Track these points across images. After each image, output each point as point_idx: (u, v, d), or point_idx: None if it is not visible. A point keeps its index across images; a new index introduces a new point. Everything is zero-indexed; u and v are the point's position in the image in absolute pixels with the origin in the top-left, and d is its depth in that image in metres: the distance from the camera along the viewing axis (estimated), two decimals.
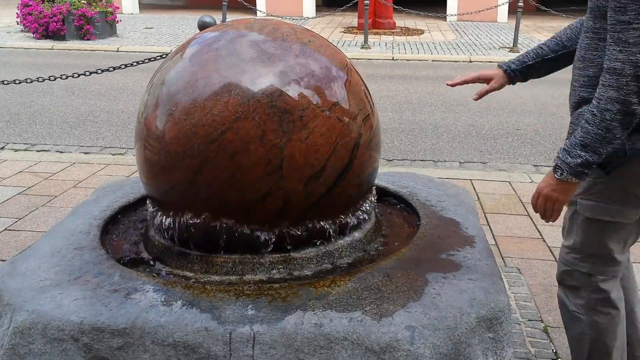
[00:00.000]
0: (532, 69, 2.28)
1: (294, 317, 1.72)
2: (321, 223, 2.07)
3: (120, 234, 2.43)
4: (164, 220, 2.16)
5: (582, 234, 2.09)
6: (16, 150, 5.62)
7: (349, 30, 14.44)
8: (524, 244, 3.75)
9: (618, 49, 1.64)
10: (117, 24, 13.38)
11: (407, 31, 14.27)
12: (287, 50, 2.05)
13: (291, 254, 2.06)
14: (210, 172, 1.93)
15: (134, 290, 1.87)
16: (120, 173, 4.84)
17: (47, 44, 11.99)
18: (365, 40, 11.94)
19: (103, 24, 12.81)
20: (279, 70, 1.98)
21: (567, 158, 1.81)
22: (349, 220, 2.15)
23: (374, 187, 2.32)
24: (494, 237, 3.82)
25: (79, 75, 4.80)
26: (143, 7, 19.17)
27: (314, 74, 2.02)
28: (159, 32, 14.07)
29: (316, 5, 17.84)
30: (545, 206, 1.97)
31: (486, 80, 2.35)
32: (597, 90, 1.73)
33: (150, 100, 2.11)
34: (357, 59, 10.78)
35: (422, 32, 14.09)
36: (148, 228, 2.31)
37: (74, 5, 12.41)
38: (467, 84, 2.40)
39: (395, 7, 13.48)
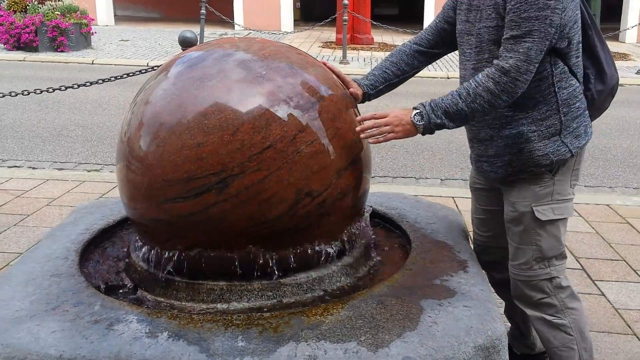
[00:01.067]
0: (380, 93, 2.37)
1: (286, 348, 1.65)
2: (310, 248, 2.00)
3: (100, 259, 2.33)
4: (146, 247, 2.08)
5: (544, 239, 2.15)
6: None
7: (327, 45, 14.45)
8: None
9: (509, 55, 1.91)
10: (91, 36, 13.19)
11: (385, 47, 14.33)
12: (274, 70, 1.98)
13: (280, 280, 1.98)
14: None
15: (116, 320, 1.78)
16: (96, 190, 4.72)
17: (19, 55, 11.76)
18: (344, 56, 11.95)
19: (77, 35, 12.61)
20: (267, 91, 1.91)
21: (431, 113, 1.97)
22: (339, 245, 2.08)
23: (364, 210, 2.26)
24: None
25: (53, 90, 4.67)
26: (118, 18, 19.00)
27: (303, 95, 1.96)
28: (134, 44, 13.92)
29: (294, 20, 17.86)
30: (381, 130, 1.98)
31: (347, 87, 2.26)
32: (480, 76, 1.94)
33: (134, 119, 2.03)
34: None
35: None
36: (129, 252, 2.22)
37: (47, 16, 12.20)
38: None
39: (373, 22, 13.53)
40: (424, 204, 2.73)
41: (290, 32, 16.67)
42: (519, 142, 2.09)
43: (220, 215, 1.85)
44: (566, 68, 2.04)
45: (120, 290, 2.09)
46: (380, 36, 15.55)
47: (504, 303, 2.58)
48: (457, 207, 4.47)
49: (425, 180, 5.44)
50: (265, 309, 1.92)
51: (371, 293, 1.92)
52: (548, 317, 2.22)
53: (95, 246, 2.39)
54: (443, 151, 6.26)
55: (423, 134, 2.02)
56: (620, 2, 16.68)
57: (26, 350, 1.65)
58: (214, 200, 1.83)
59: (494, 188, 2.31)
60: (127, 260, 2.22)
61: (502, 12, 1.95)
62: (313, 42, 14.97)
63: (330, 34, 15.62)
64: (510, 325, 2.61)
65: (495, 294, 2.33)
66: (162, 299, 2.01)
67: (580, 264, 3.58)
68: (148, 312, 1.82)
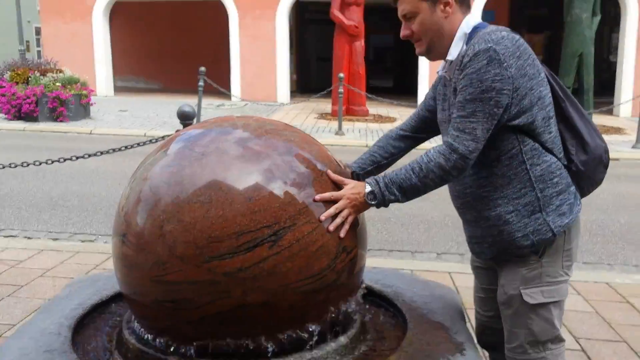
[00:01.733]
0: (370, 174, 2.36)
1: None
2: (304, 329, 1.98)
3: (92, 334, 2.29)
4: (139, 328, 2.06)
5: (536, 323, 2.13)
6: None
7: (322, 116, 14.68)
8: None
9: (456, 134, 1.98)
10: (91, 106, 13.41)
11: (380, 118, 14.55)
12: (271, 148, 2.02)
13: None
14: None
15: None
16: (91, 262, 4.69)
17: (19, 125, 11.92)
18: (340, 127, 12.13)
19: (77, 106, 12.81)
20: (264, 168, 1.95)
21: (385, 191, 2.03)
22: (334, 325, 2.07)
23: (360, 288, 2.25)
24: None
25: (52, 162, 4.72)
26: (118, 89, 19.36)
27: (300, 172, 1.99)
28: (133, 115, 14.13)
29: (290, 91, 18.22)
30: (342, 215, 1.98)
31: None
32: (431, 152, 2.02)
33: (132, 195, 2.05)
34: (332, 145, 10.88)
35: (394, 119, 14.39)
36: (122, 328, 2.19)
37: (48, 87, 12.43)
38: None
39: (368, 95, 13.81)
40: (421, 282, 2.73)
41: (287, 104, 16.95)
42: (498, 223, 2.11)
43: (272, 269, 1.85)
44: (537, 145, 2.05)
45: None
46: (375, 108, 15.82)
47: None
48: (454, 283, 4.44)
49: (421, 254, 5.43)
50: None
51: None
52: None
53: (88, 320, 2.37)
54: (439, 224, 6.27)
55: (377, 207, 2.08)
56: (613, 77, 17.02)
57: None
58: (267, 253, 1.84)
59: (493, 267, 2.31)
60: (119, 336, 2.19)
61: None
62: (309, 113, 15.22)
63: (326, 105, 15.89)
64: None
65: None
66: None
67: (580, 345, 3.53)
68: None
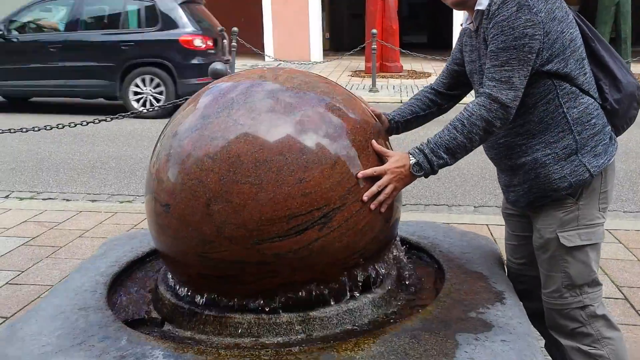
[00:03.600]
0: (409, 125, 2.35)
1: None
2: (341, 280, 1.94)
3: (128, 291, 2.30)
4: (174, 281, 2.05)
5: (572, 266, 2.10)
6: (21, 199, 5.53)
7: (356, 73, 14.51)
8: None
9: (493, 84, 1.93)
10: None
11: (414, 74, 14.33)
12: (304, 100, 1.96)
13: (310, 313, 1.93)
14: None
15: (142, 356, 1.74)
16: (128, 222, 4.74)
17: None
18: (373, 84, 11.96)
19: None
20: (296, 121, 1.88)
21: (432, 157, 1.95)
22: (370, 277, 2.02)
23: (396, 240, 2.20)
24: None
25: (87, 124, 4.74)
26: None
27: (333, 124, 1.92)
28: None
29: (323, 50, 18.02)
30: (385, 192, 1.91)
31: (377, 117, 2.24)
32: (471, 106, 1.96)
33: (162, 152, 2.01)
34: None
35: (429, 74, 14.14)
36: (158, 284, 2.19)
37: None
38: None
39: (402, 50, 13.56)
40: (458, 232, 2.66)
41: (320, 62, 16.78)
42: (535, 167, 2.07)
43: (321, 249, 1.83)
44: (573, 88, 2.02)
45: (148, 324, 2.05)
46: (410, 64, 15.56)
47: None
48: (492, 235, 4.37)
49: (458, 208, 5.35)
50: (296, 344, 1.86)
51: (404, 327, 1.85)
52: (584, 347, 2.13)
53: (124, 278, 2.37)
54: (476, 177, 6.16)
55: (426, 177, 2.01)
56: None
57: None
58: (317, 235, 1.81)
59: (525, 214, 2.27)
60: (155, 292, 2.19)
61: None
62: (342, 70, 15.05)
63: (359, 62, 15.68)
64: None
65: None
66: (189, 333, 1.96)
67: (623, 293, 3.45)
68: (174, 347, 1.78)
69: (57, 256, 4.06)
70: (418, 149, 1.98)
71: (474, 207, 5.38)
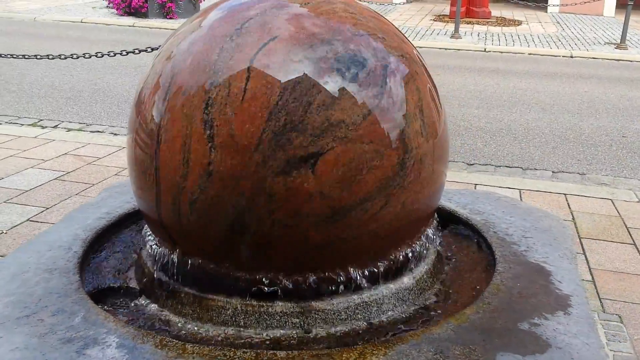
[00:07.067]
0: None
1: None
2: (355, 264, 1.51)
3: (113, 250, 1.95)
4: (154, 247, 1.67)
5: None
6: (68, 130, 5.32)
7: (439, 18, 13.65)
8: (628, 281, 3.04)
9: None
10: (200, 3, 13.15)
11: (503, 21, 13.34)
12: (333, 31, 1.50)
13: (311, 302, 1.51)
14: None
15: (92, 342, 1.39)
16: None
17: (129, 20, 11.88)
18: (456, 29, 11.15)
19: (186, 3, 12.61)
20: (318, 57, 1.43)
21: None
22: (395, 260, 1.58)
23: (434, 213, 1.74)
24: (590, 271, 3.12)
25: (152, 50, 4.42)
26: None
27: (363, 64, 1.46)
28: None
29: None
30: None
31: None
32: None
33: (150, 80, 1.62)
34: (445, 48, 10.04)
35: (519, 23, 13.13)
36: (142, 249, 1.82)
37: None
38: None
39: None
40: (522, 209, 2.15)
41: (402, 4, 15.94)
42: None
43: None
44: None
45: (120, 296, 1.70)
46: (500, 10, 14.51)
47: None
48: (570, 207, 3.79)
49: (534, 172, 4.74)
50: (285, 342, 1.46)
51: (429, 335, 1.40)
52: None
53: (114, 234, 2.02)
54: (558, 139, 5.49)
55: None
56: None
57: None
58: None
59: None
60: (138, 257, 1.82)
61: None
62: (425, 14, 14.19)
63: (444, 6, 14.78)
64: None
65: (596, 312, 1.73)
66: (164, 312, 1.60)
67: None
68: (133, 335, 1.41)
69: (87, 194, 3.79)
70: None
71: (552, 172, 4.76)
